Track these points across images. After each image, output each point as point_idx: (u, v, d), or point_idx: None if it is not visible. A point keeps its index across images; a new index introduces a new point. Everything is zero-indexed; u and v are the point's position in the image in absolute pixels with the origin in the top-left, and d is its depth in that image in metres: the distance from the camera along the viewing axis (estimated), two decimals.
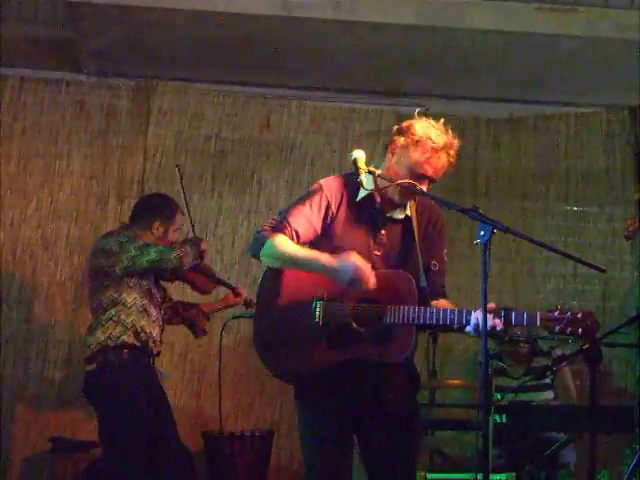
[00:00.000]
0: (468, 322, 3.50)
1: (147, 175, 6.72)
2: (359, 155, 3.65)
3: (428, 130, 3.63)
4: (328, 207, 3.69)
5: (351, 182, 3.71)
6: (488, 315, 3.33)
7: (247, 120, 6.93)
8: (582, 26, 6.24)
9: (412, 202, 3.76)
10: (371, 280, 3.50)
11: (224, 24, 6.18)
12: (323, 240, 3.70)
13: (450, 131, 3.66)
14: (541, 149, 7.09)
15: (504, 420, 4.97)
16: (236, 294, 5.43)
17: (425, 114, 3.73)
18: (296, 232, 3.66)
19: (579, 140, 7.05)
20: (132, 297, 4.99)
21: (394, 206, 3.73)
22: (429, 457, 5.53)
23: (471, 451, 5.00)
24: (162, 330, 5.19)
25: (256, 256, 3.71)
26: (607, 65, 6.54)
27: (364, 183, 3.62)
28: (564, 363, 5.62)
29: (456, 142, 3.65)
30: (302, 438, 3.76)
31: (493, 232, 3.32)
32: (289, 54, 6.59)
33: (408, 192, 3.67)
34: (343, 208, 3.70)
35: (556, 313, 3.45)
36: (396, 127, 3.74)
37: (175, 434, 5.15)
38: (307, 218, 3.68)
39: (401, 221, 3.75)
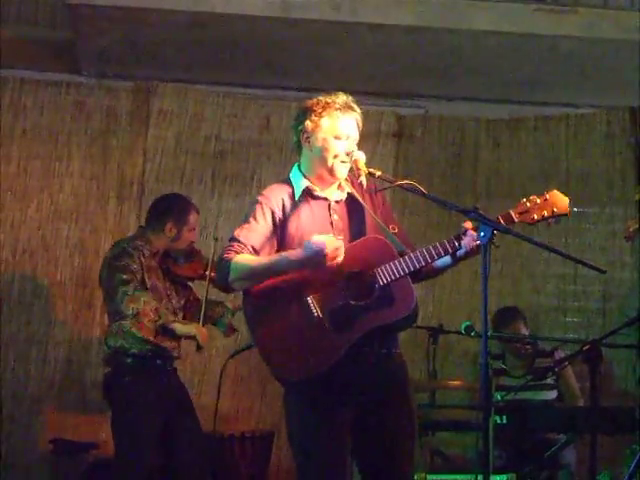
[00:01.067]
0: (459, 247, 3.54)
1: (147, 176, 6.73)
2: (359, 156, 3.68)
3: (322, 100, 3.75)
4: (273, 214, 3.71)
5: (285, 185, 3.78)
6: (469, 231, 3.45)
7: (247, 121, 6.93)
8: (582, 27, 6.24)
9: (347, 179, 3.78)
10: (340, 249, 3.51)
11: (223, 25, 6.18)
12: (283, 246, 3.70)
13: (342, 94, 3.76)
14: (541, 150, 7.08)
15: (504, 421, 4.96)
16: None
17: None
18: (253, 247, 3.67)
19: (579, 141, 7.04)
20: (144, 311, 4.94)
21: (332, 188, 3.77)
22: (429, 458, 5.51)
23: (471, 452, 5.00)
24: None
25: (227, 285, 3.70)
26: (607, 66, 6.54)
27: (364, 184, 3.64)
28: (565, 363, 5.62)
29: (351, 99, 3.77)
30: (298, 438, 3.75)
31: (493, 233, 3.33)
32: (288, 55, 6.59)
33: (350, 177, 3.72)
34: (289, 210, 3.72)
35: (527, 204, 3.56)
36: (294, 119, 3.82)
37: (197, 438, 5.18)
38: (258, 232, 3.70)
39: (345, 200, 3.78)
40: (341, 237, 3.66)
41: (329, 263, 3.52)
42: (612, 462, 5.41)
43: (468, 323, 5.31)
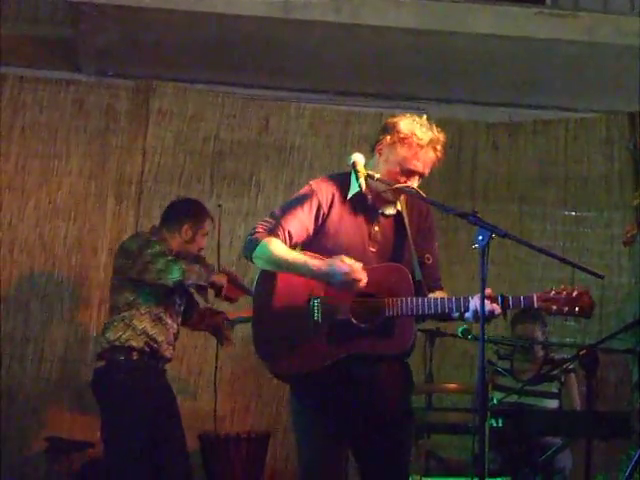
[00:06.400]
0: (467, 309, 3.55)
1: (146, 175, 6.73)
2: (358, 158, 3.68)
3: (413, 126, 3.68)
4: (319, 208, 3.71)
5: (341, 181, 3.77)
6: (486, 300, 3.39)
7: (246, 122, 6.93)
8: (582, 31, 6.26)
9: (402, 197, 3.78)
10: (363, 280, 3.52)
11: (224, 26, 6.18)
12: (316, 241, 3.72)
13: (434, 127, 3.71)
14: (540, 154, 7.09)
15: (500, 424, 4.97)
16: None
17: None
18: (289, 233, 3.68)
19: (578, 145, 7.05)
20: (147, 304, 5.01)
21: (385, 202, 3.76)
22: (425, 460, 5.52)
23: (467, 455, 5.00)
24: (177, 337, 5.21)
25: (249, 257, 3.73)
26: (607, 70, 6.55)
27: (363, 187, 3.64)
28: (564, 366, 5.61)
29: (441, 137, 3.71)
30: (298, 438, 3.76)
31: (491, 237, 3.33)
32: (288, 56, 6.59)
33: (404, 194, 3.69)
34: (335, 207, 3.73)
35: (552, 293, 3.51)
36: (381, 126, 3.78)
37: (180, 444, 5.17)
38: (299, 219, 3.70)
39: (393, 216, 3.78)
40: (374, 249, 3.70)
41: (345, 288, 3.53)
42: (607, 467, 5.42)
43: (465, 326, 5.30)
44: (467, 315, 3.57)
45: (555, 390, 5.90)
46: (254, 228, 3.75)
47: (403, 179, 3.67)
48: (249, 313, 5.31)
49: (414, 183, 3.69)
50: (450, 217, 6.68)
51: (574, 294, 3.50)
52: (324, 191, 3.74)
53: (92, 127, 6.71)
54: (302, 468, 3.75)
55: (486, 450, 3.45)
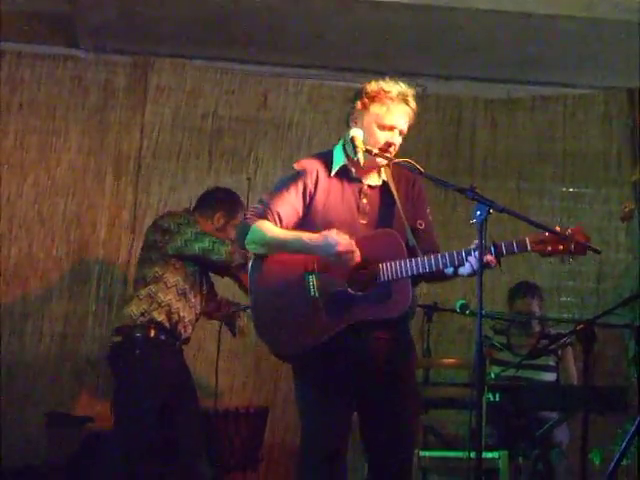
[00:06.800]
0: (461, 262, 3.56)
1: (144, 152, 6.73)
2: (357, 134, 3.71)
3: (378, 84, 3.75)
4: (305, 187, 3.75)
5: (325, 159, 3.81)
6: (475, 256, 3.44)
7: (244, 98, 6.92)
8: (581, 7, 6.21)
9: (387, 167, 3.80)
10: (356, 254, 3.55)
11: (222, 1, 6.15)
12: (307, 220, 3.75)
13: (402, 82, 3.76)
14: (538, 130, 7.09)
15: (497, 399, 4.99)
16: None
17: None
18: (279, 215, 3.72)
19: (576, 122, 7.05)
20: (175, 279, 5.06)
21: (370, 173, 3.80)
22: (422, 435, 5.55)
23: (464, 429, 5.02)
24: (197, 318, 5.25)
25: (242, 245, 3.76)
26: (606, 47, 6.52)
27: (361, 161, 3.66)
28: (561, 341, 5.63)
29: (410, 91, 3.76)
30: (301, 413, 3.78)
31: (489, 212, 3.35)
32: (288, 32, 6.57)
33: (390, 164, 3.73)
34: (321, 185, 3.76)
35: (545, 234, 3.51)
36: (350, 98, 3.84)
37: (196, 418, 5.25)
38: (288, 202, 3.74)
39: (379, 187, 3.81)
40: (365, 221, 3.72)
41: (339, 261, 3.55)
42: (604, 441, 5.45)
43: (463, 301, 5.32)
44: (462, 270, 3.59)
45: (552, 363, 5.93)
46: (244, 217, 3.80)
47: (384, 139, 3.70)
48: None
49: (396, 140, 3.72)
50: (448, 193, 6.72)
51: (567, 232, 3.50)
52: (308, 170, 3.77)
53: (90, 103, 6.70)
54: (305, 442, 3.76)
55: (483, 425, 3.45)
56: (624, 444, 4.08)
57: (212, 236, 5.08)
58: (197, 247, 5.03)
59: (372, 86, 3.75)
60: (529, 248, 3.55)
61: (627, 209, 5.41)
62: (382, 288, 3.59)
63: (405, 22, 6.33)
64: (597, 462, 5.37)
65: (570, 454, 5.60)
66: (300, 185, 3.75)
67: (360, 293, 3.61)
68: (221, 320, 5.54)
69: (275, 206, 3.73)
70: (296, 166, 3.82)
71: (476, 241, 3.44)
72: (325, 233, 3.58)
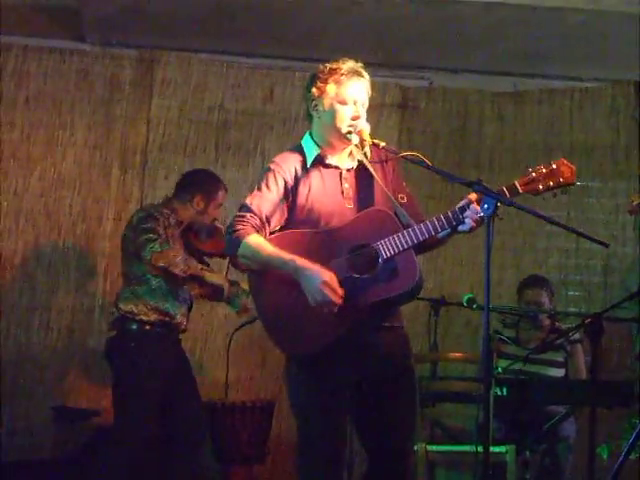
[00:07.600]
0: (459, 221, 3.52)
1: (150, 146, 6.73)
2: (364, 127, 3.69)
3: (328, 66, 3.78)
4: (285, 184, 3.70)
5: (299, 152, 3.78)
6: (472, 205, 3.44)
7: (251, 91, 6.92)
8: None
9: (359, 148, 3.76)
10: (338, 294, 3.46)
11: None
12: (293, 216, 3.70)
13: (348, 60, 3.79)
14: (545, 123, 7.07)
15: (505, 393, 4.99)
16: None
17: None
18: (267, 219, 3.67)
19: (583, 115, 7.02)
20: (157, 280, 5.03)
21: (343, 156, 3.77)
22: (429, 429, 5.55)
23: (471, 423, 5.02)
24: (190, 308, 5.23)
25: (234, 257, 3.72)
26: (612, 39, 6.50)
27: (368, 155, 3.64)
28: (570, 334, 5.62)
29: (359, 65, 3.78)
30: (303, 415, 3.75)
31: (497, 205, 3.33)
32: (293, 25, 6.55)
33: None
34: (300, 179, 3.72)
35: (532, 174, 3.53)
36: (304, 91, 3.83)
37: (196, 409, 5.25)
38: (271, 202, 3.69)
39: (355, 169, 3.77)
40: (351, 205, 3.68)
41: (318, 296, 3.46)
42: (611, 435, 5.44)
43: (470, 295, 5.32)
44: (461, 227, 3.54)
45: (561, 359, 5.91)
46: (231, 226, 3.68)
47: (349, 115, 3.67)
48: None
49: (361, 112, 3.69)
50: (455, 186, 6.69)
51: (553, 167, 3.52)
52: (284, 166, 3.73)
53: (96, 97, 6.70)
54: (304, 445, 3.71)
55: (490, 419, 3.45)
56: (632, 438, 4.08)
57: (151, 234, 4.97)
58: (137, 242, 5.00)
59: (322, 69, 3.76)
60: (520, 191, 3.53)
61: (635, 202, 5.38)
62: (387, 266, 3.52)
63: (411, 15, 6.31)
64: (605, 456, 5.36)
65: (577, 448, 5.59)
66: (280, 183, 3.70)
67: (366, 276, 3.55)
68: (222, 301, 5.41)
69: (260, 210, 3.67)
70: (272, 165, 3.76)
71: (467, 195, 3.47)
72: (316, 267, 3.49)
